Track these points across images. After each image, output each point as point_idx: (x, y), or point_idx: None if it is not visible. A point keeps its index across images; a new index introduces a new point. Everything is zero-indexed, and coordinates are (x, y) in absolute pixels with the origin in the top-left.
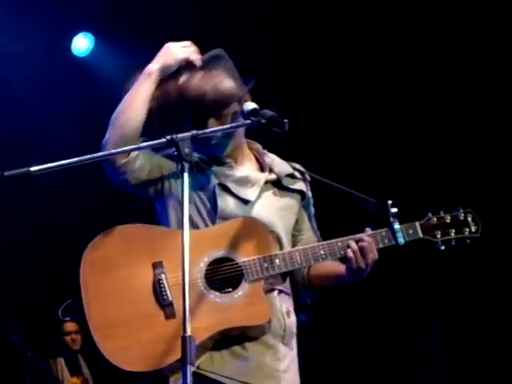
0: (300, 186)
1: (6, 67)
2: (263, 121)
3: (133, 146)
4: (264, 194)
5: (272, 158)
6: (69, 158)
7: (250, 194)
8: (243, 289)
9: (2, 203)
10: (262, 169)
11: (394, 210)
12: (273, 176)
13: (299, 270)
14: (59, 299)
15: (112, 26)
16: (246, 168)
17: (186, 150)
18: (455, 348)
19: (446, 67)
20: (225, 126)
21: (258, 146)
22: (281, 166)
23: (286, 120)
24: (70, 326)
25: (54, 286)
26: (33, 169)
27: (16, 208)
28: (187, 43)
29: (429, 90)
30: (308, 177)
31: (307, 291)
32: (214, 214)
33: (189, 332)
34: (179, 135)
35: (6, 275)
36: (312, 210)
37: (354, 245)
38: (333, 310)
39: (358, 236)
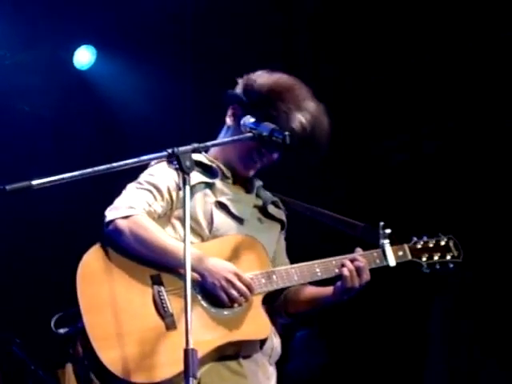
0: (281, 215)
1: (7, 80)
2: (264, 133)
3: (135, 160)
4: (252, 217)
5: (260, 183)
6: (70, 172)
7: (243, 213)
8: (244, 304)
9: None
10: (247, 191)
11: (388, 230)
12: (259, 201)
13: (278, 296)
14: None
15: (114, 39)
16: (239, 187)
17: (188, 163)
18: (460, 343)
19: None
20: (226, 140)
21: None
22: (265, 192)
23: (287, 133)
24: None
25: (57, 297)
26: (34, 182)
27: (16, 219)
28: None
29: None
30: (284, 210)
31: (282, 319)
32: (208, 230)
33: (191, 345)
34: (180, 148)
35: (7, 287)
36: (285, 242)
37: (349, 264)
38: (339, 310)
39: (352, 256)
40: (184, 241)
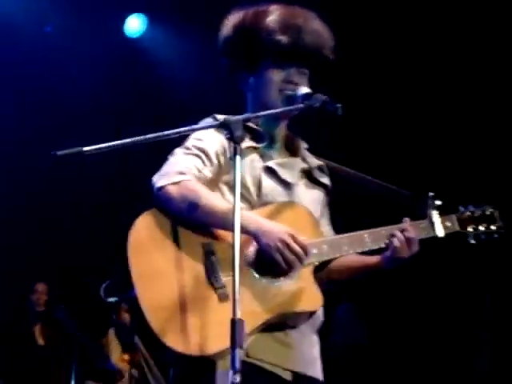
0: (326, 180)
1: (59, 47)
2: (316, 105)
3: (186, 128)
4: (300, 181)
5: (305, 146)
6: (120, 140)
7: (292, 178)
8: (294, 274)
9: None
10: (293, 154)
11: (438, 202)
12: (305, 165)
13: (324, 265)
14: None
15: (165, 8)
16: (286, 151)
17: (239, 133)
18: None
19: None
20: (277, 110)
21: (291, 132)
22: (311, 156)
23: (339, 104)
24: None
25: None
26: (86, 149)
27: (63, 190)
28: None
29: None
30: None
31: (323, 286)
32: (257, 195)
33: (239, 315)
34: (232, 118)
35: (53, 258)
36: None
37: (399, 234)
38: (387, 308)
39: (402, 226)
40: (233, 209)
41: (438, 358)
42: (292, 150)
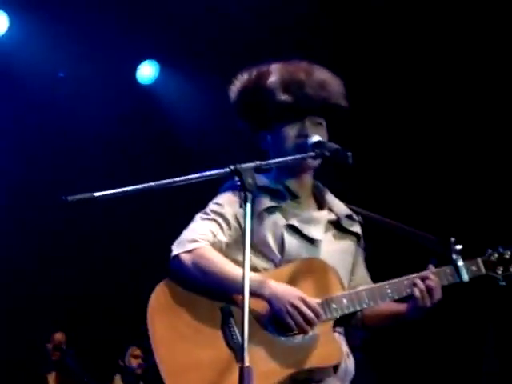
0: (357, 228)
1: (72, 94)
2: (327, 153)
3: (197, 175)
4: (326, 234)
5: (332, 197)
6: (131, 185)
7: (316, 233)
8: (314, 329)
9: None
10: (320, 207)
11: (459, 246)
12: (332, 216)
13: (354, 314)
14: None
15: (177, 54)
16: (310, 206)
17: (250, 180)
18: None
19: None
20: (287, 158)
21: (318, 182)
22: (339, 205)
23: (350, 153)
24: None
25: (109, 311)
26: (97, 194)
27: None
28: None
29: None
30: (361, 219)
31: (359, 332)
32: (280, 254)
33: (247, 362)
34: (243, 165)
35: (60, 300)
36: (364, 253)
37: (420, 283)
38: (390, 343)
39: (424, 274)
40: (243, 260)
41: None
42: (319, 202)
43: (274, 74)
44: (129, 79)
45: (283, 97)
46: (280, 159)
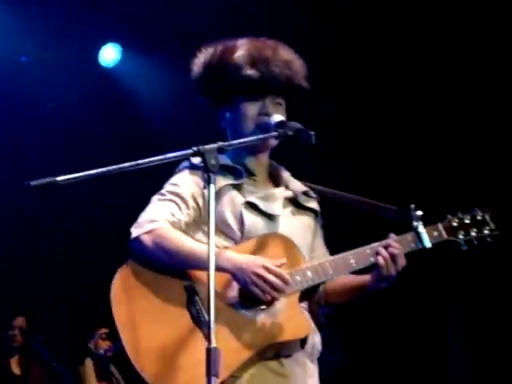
0: (314, 204)
1: (34, 77)
2: (290, 133)
3: (160, 157)
4: (284, 210)
5: (287, 174)
6: (95, 169)
7: (274, 209)
8: (280, 303)
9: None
10: (276, 185)
11: (419, 212)
12: (289, 193)
13: (317, 288)
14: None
15: (140, 37)
16: (267, 184)
17: (213, 161)
18: (480, 352)
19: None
20: (251, 138)
21: (273, 161)
22: (295, 183)
23: (313, 132)
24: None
25: (79, 296)
26: (59, 179)
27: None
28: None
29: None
30: (317, 196)
31: (323, 309)
32: (240, 232)
33: (214, 344)
34: (206, 146)
35: (29, 285)
36: (322, 229)
37: (384, 251)
38: (356, 318)
39: (386, 242)
40: (208, 240)
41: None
42: (275, 181)
43: (242, 48)
44: (91, 62)
45: (249, 71)
46: (243, 139)
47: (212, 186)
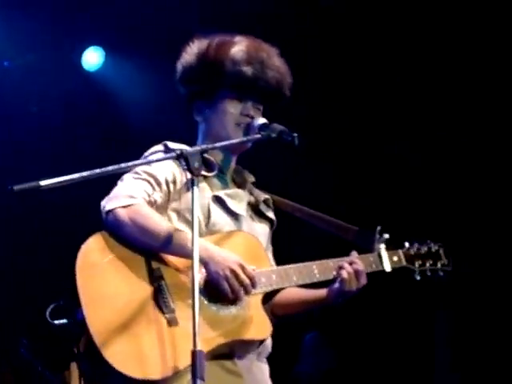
0: (271, 214)
1: (16, 81)
2: (273, 135)
3: (143, 160)
4: (247, 212)
5: (252, 179)
6: (78, 172)
7: (239, 209)
8: (242, 302)
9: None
10: (239, 186)
11: (386, 236)
12: (252, 198)
13: (275, 294)
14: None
15: (123, 40)
16: (232, 184)
17: (196, 164)
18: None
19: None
20: (235, 140)
21: (239, 166)
22: (257, 189)
23: (295, 134)
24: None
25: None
26: (42, 183)
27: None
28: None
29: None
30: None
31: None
32: (205, 224)
33: (199, 346)
34: (189, 149)
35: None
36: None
37: (348, 266)
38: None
39: (350, 258)
40: (192, 241)
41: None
42: (239, 183)
43: (240, 44)
44: (74, 66)
45: (245, 68)
46: (226, 142)
47: (196, 188)
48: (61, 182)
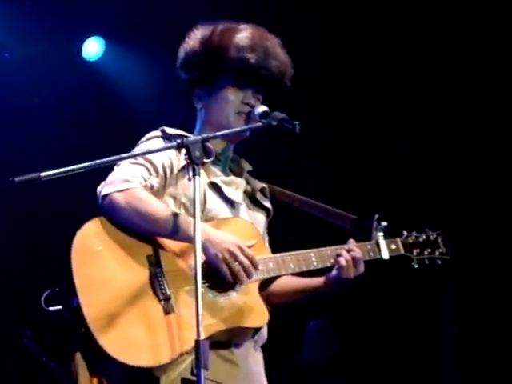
0: (268, 204)
1: (17, 72)
2: (274, 123)
3: (143, 151)
4: (244, 201)
5: (249, 168)
6: (79, 163)
7: (236, 196)
8: (240, 289)
9: None
10: (234, 175)
11: (384, 223)
12: (248, 187)
13: (272, 282)
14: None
15: (123, 30)
16: (230, 172)
17: (197, 154)
18: (473, 338)
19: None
20: (236, 129)
21: (235, 155)
22: (253, 178)
23: (297, 122)
24: None
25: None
26: (43, 174)
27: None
28: (246, 261)
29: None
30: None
31: None
32: (201, 210)
33: (202, 336)
34: (190, 139)
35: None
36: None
37: (346, 254)
38: (351, 302)
39: (348, 246)
40: (194, 231)
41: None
42: (235, 172)
43: (245, 31)
44: (75, 56)
45: (249, 55)
46: (227, 131)
47: (197, 177)
48: (61, 173)
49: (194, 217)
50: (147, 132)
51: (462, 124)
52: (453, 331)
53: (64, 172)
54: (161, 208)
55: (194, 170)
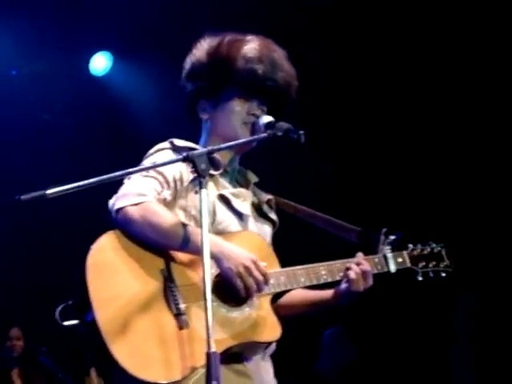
0: (274, 216)
1: (26, 89)
2: (279, 133)
3: (149, 165)
4: (251, 213)
5: (256, 180)
6: (87, 177)
7: (244, 209)
8: (252, 304)
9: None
10: (241, 186)
11: (392, 237)
12: (255, 199)
13: (282, 295)
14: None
15: (130, 45)
16: (236, 184)
17: (203, 166)
18: (485, 341)
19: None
20: (242, 140)
21: (241, 166)
22: (260, 190)
23: (302, 132)
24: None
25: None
26: (48, 192)
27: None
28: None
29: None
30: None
31: None
32: (210, 223)
33: (213, 348)
34: (195, 152)
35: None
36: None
37: (355, 267)
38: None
39: (357, 260)
40: (201, 244)
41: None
42: (242, 183)
43: (252, 42)
44: (82, 72)
45: (256, 66)
46: (233, 142)
47: (204, 190)
48: (67, 190)
49: (201, 229)
50: (154, 146)
51: (461, 124)
52: (466, 340)
53: (70, 189)
54: (175, 222)
55: (200, 182)
